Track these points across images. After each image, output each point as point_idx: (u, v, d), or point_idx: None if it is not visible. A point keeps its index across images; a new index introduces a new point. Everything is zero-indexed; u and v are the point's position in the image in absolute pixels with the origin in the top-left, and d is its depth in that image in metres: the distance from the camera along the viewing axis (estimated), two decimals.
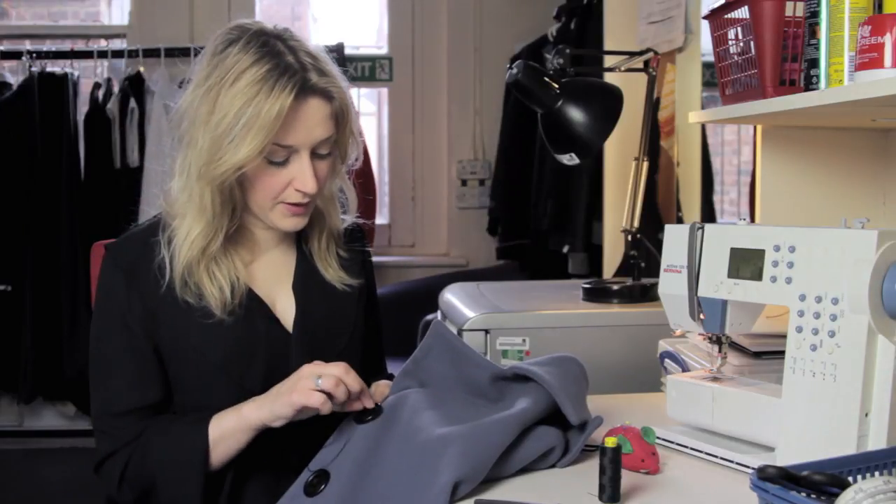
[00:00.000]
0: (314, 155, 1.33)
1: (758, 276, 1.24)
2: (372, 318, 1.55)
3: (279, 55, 1.28)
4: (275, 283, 1.42)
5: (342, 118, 1.35)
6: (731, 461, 1.25)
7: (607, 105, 1.90)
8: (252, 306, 1.36)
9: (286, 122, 1.27)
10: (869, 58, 1.21)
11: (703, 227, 1.34)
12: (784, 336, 1.20)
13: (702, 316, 1.34)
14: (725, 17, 1.62)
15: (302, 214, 1.36)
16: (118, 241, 1.40)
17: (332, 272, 1.46)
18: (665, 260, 1.39)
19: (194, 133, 1.30)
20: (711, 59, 1.73)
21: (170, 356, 1.35)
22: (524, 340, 1.89)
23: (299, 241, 1.46)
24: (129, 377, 1.34)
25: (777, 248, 1.21)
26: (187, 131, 1.31)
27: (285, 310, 1.41)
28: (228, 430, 1.29)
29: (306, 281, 1.43)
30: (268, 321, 1.38)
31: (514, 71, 1.89)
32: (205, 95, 1.29)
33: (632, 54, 2.13)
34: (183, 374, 1.35)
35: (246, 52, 1.28)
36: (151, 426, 1.33)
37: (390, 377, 1.56)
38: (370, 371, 1.54)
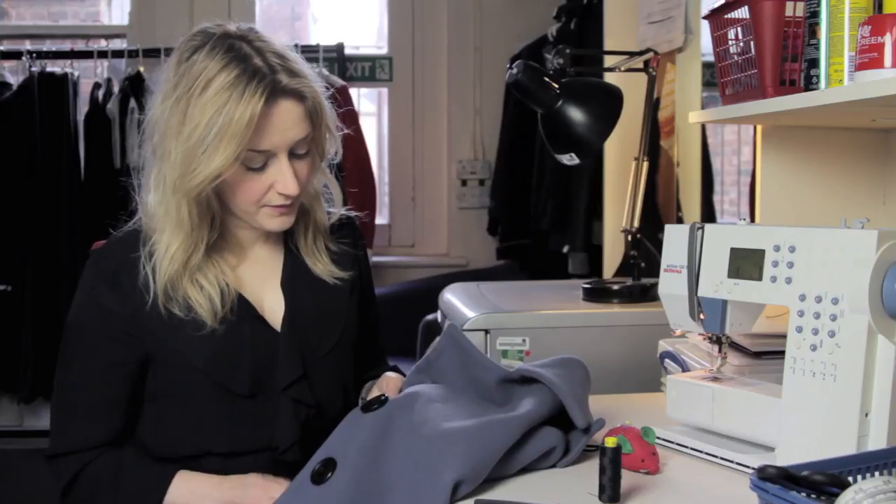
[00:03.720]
0: (292, 155, 1.31)
1: (758, 276, 1.24)
2: (369, 312, 1.55)
3: (246, 59, 1.26)
4: (263, 282, 1.41)
5: (316, 116, 1.33)
6: (731, 461, 1.25)
7: (607, 105, 1.90)
8: (240, 311, 1.35)
9: (260, 126, 1.25)
10: (869, 58, 1.21)
11: (703, 227, 1.34)
12: (784, 336, 1.20)
13: (702, 316, 1.34)
14: (725, 17, 1.62)
15: (288, 213, 1.35)
16: (101, 249, 1.38)
17: (322, 266, 1.44)
18: (665, 260, 1.39)
19: (166, 145, 1.27)
20: (711, 59, 1.73)
21: (155, 364, 1.34)
22: (524, 340, 1.89)
23: (286, 237, 1.44)
24: (87, 374, 1.33)
25: (777, 248, 1.21)
26: (159, 144, 1.29)
27: (273, 308, 1.40)
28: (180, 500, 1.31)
29: (295, 277, 1.42)
30: (253, 322, 1.36)
31: (514, 71, 1.88)
32: (174, 106, 1.26)
33: (632, 54, 2.13)
34: (169, 381, 1.34)
35: (212, 58, 1.26)
36: (117, 455, 1.34)
37: (393, 369, 1.56)
38: (369, 364, 1.54)
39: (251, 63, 1.25)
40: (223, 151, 1.23)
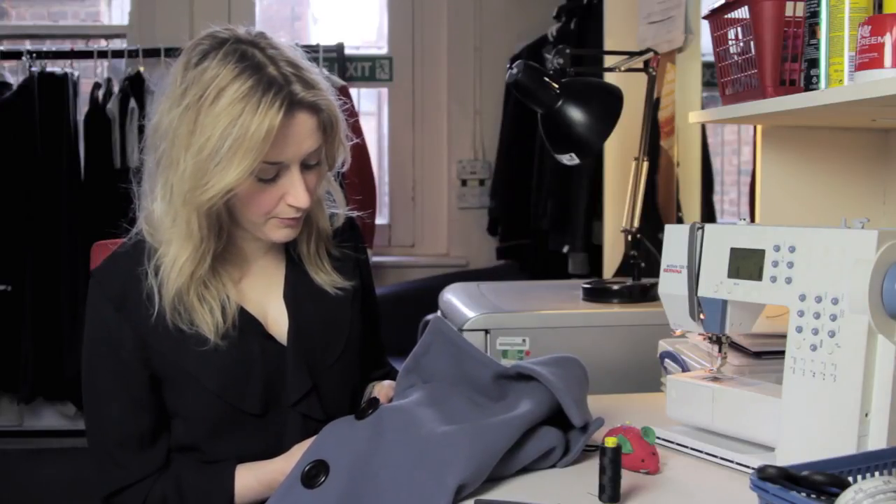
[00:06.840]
0: (303, 166, 1.28)
1: (758, 276, 1.24)
2: (370, 313, 1.53)
3: (261, 68, 1.21)
4: (266, 293, 1.39)
5: (330, 128, 1.30)
6: (731, 461, 1.25)
7: (607, 105, 1.90)
8: (245, 326, 1.32)
9: (275, 139, 1.21)
10: (869, 58, 1.21)
11: (703, 227, 1.34)
12: (784, 336, 1.20)
13: (702, 316, 1.34)
14: (725, 17, 1.62)
15: (295, 225, 1.32)
16: (104, 268, 1.33)
17: (324, 276, 1.41)
18: (665, 260, 1.39)
19: (175, 155, 1.22)
20: (711, 59, 1.73)
21: (165, 384, 1.31)
22: (524, 340, 1.89)
23: (287, 246, 1.41)
24: (123, 405, 1.30)
25: (777, 248, 1.21)
26: (167, 153, 1.24)
27: (277, 321, 1.37)
28: (249, 489, 1.29)
29: (297, 289, 1.39)
30: (261, 339, 1.33)
31: (514, 71, 1.88)
32: (183, 115, 1.21)
33: (632, 54, 2.13)
34: (180, 401, 1.32)
35: (224, 65, 1.21)
36: (172, 472, 1.31)
37: (392, 372, 1.56)
38: (370, 366, 1.54)
39: (266, 73, 1.21)
40: (238, 165, 1.19)
